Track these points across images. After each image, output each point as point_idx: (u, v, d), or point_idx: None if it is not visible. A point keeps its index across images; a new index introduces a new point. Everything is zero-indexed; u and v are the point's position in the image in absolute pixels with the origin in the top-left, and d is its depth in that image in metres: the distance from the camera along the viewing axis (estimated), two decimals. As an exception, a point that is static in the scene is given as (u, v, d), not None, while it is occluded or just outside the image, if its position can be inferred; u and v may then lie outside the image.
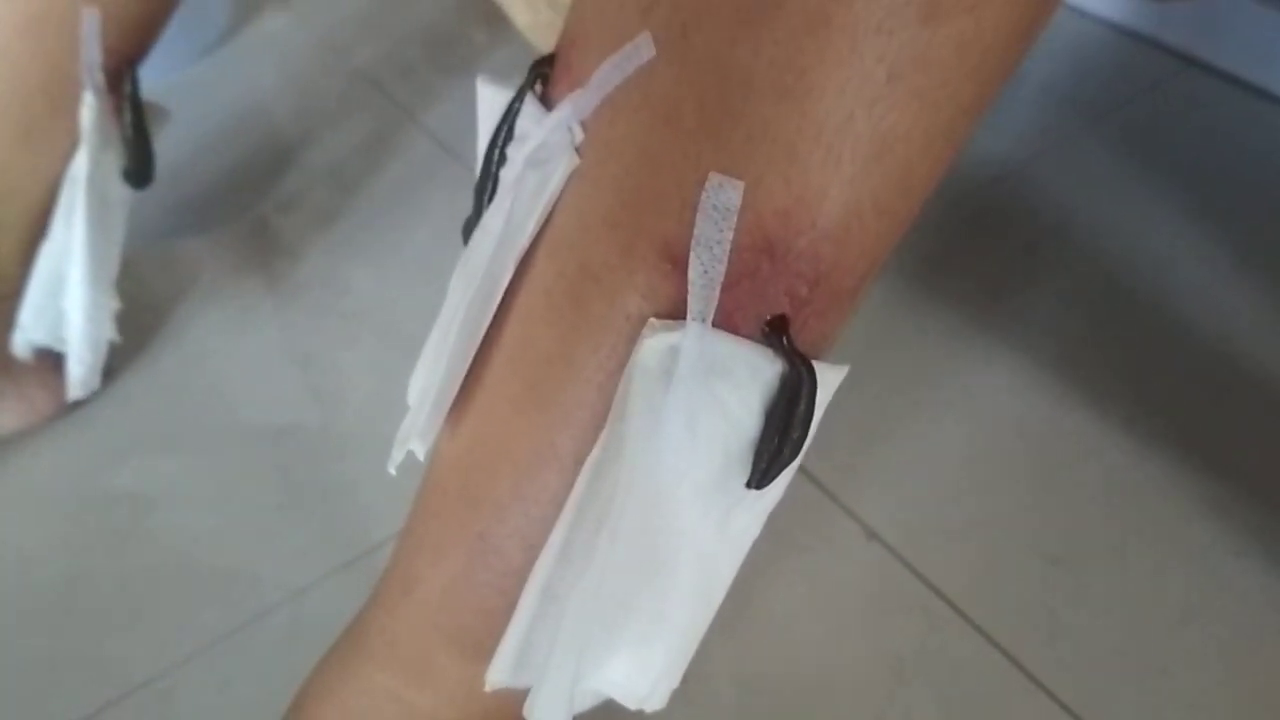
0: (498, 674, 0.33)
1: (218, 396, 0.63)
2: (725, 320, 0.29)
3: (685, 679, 0.36)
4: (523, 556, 0.33)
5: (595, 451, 0.31)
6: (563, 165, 0.31)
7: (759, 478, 0.31)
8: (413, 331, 0.64)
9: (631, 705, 0.35)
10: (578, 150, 0.31)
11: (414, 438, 0.34)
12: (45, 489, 0.59)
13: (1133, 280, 0.66)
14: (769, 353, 0.30)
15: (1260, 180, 0.72)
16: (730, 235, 0.28)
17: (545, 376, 0.32)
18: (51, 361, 0.60)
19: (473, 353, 0.33)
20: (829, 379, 0.31)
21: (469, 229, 0.35)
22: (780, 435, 0.30)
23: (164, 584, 0.55)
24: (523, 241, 0.32)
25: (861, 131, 0.28)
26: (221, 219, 0.75)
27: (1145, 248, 0.68)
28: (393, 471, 0.35)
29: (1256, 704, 0.47)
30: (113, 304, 0.57)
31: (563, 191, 0.31)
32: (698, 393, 0.29)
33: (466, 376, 0.34)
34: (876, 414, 0.59)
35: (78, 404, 0.62)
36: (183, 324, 0.67)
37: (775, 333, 0.30)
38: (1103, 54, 0.83)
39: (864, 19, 0.26)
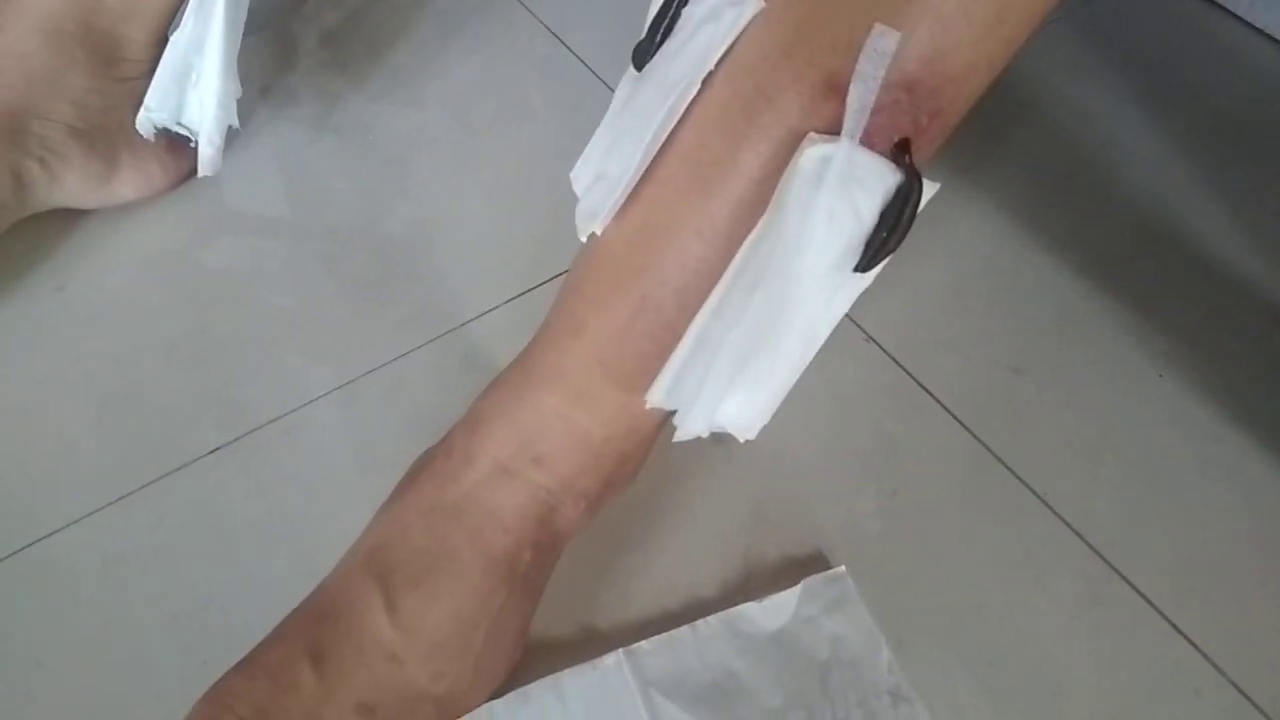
0: (655, 396, 0.44)
1: (307, 190, 0.71)
2: (866, 139, 0.40)
3: (728, 440, 0.46)
4: (676, 312, 0.44)
5: (754, 232, 0.41)
6: (751, 6, 0.41)
7: (866, 263, 0.42)
8: (481, 141, 0.73)
9: (739, 435, 0.47)
10: (765, -5, 0.41)
11: (593, 219, 0.44)
12: (161, 254, 0.67)
13: (1088, 149, 0.78)
14: (893, 166, 0.40)
15: (1198, 73, 0.85)
16: (883, 73, 0.39)
17: (713, 173, 0.42)
18: (168, 141, 0.67)
19: (654, 152, 0.43)
20: (928, 191, 0.42)
21: (641, 52, 0.45)
22: (889, 231, 0.41)
23: (277, 344, 0.64)
24: (710, 65, 0.41)
25: (987, 7, 0.38)
26: (291, 28, 0.81)
27: (1100, 122, 0.80)
28: (583, 239, 0.45)
29: (1158, 477, 0.61)
30: (237, 91, 0.64)
31: (745, 27, 0.41)
32: (839, 193, 0.40)
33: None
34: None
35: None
36: (265, 122, 0.75)
37: (900, 151, 0.40)
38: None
39: None
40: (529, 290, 0.67)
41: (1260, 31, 0.88)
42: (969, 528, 0.59)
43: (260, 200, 0.70)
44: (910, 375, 0.65)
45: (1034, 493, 0.60)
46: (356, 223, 0.70)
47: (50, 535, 0.56)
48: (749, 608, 0.55)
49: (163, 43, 0.64)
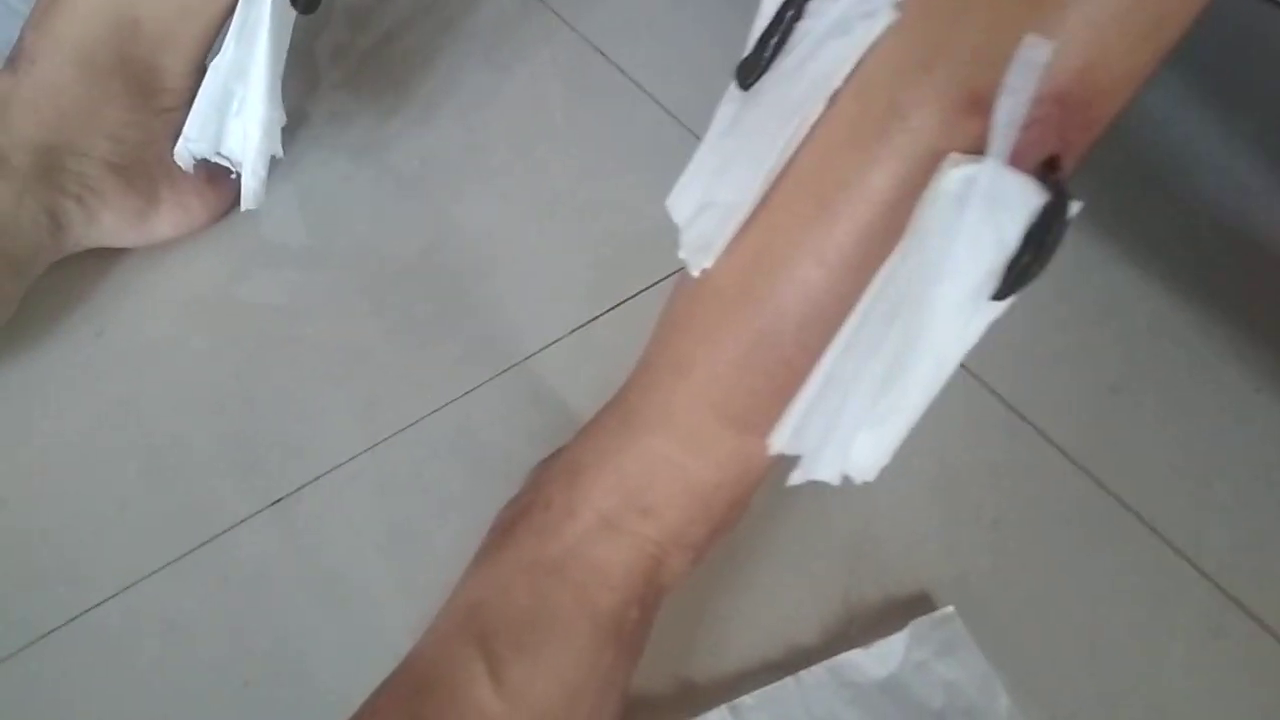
0: (780, 440, 0.41)
1: (349, 221, 0.68)
2: (1012, 157, 0.37)
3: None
4: (795, 348, 0.40)
5: (890, 259, 0.38)
6: (884, 18, 0.37)
7: (1006, 289, 0.39)
8: (529, 165, 0.70)
9: (858, 477, 0.43)
10: (898, 6, 0.37)
11: (705, 252, 0.40)
12: (202, 293, 0.64)
13: (1162, 157, 0.75)
14: (1040, 186, 0.37)
15: (1264, 74, 0.82)
16: (1034, 86, 0.35)
17: (839, 198, 0.39)
18: (207, 173, 0.63)
19: (774, 177, 0.39)
20: (1072, 210, 0.39)
21: (748, 69, 0.41)
22: (1034, 255, 0.38)
23: (332, 386, 0.60)
24: (838, 82, 0.38)
25: (1143, 14, 0.35)
26: (316, 53, 0.78)
27: (1172, 128, 0.77)
28: (696, 273, 0.41)
29: (1267, 497, 0.58)
30: (282, 119, 0.61)
31: (877, 41, 0.38)
32: (984, 216, 0.37)
33: (747, 197, 0.40)
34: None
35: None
36: (301, 150, 0.71)
37: (1047, 169, 0.37)
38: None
39: None
40: (593, 319, 0.63)
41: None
42: (1077, 559, 0.56)
43: (301, 233, 0.67)
44: (1002, 399, 0.61)
45: (1141, 519, 0.57)
46: (403, 254, 0.66)
47: (105, 601, 0.52)
48: (855, 655, 0.52)
49: (201, 71, 0.60)
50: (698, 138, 0.68)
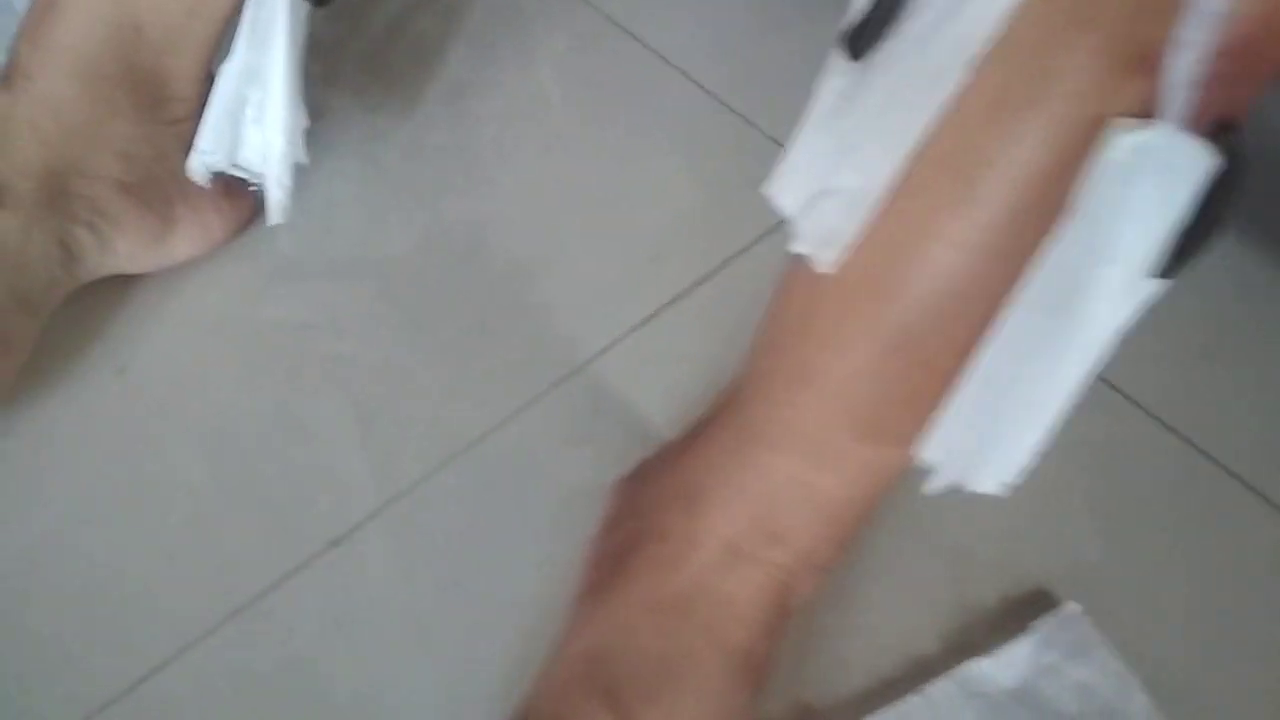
0: (928, 452, 0.37)
1: (375, 226, 0.63)
2: (1186, 119, 0.32)
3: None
4: (938, 346, 0.36)
5: (1051, 241, 0.34)
6: (1031, -29, 0.33)
7: (1173, 266, 0.35)
8: (566, 154, 0.65)
9: (992, 488, 0.39)
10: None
11: (831, 244, 0.36)
12: (227, 317, 0.59)
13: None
14: (1215, 149, 0.33)
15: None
16: (1213, 39, 0.31)
17: (983, 175, 0.35)
18: (224, 186, 0.58)
19: (909, 157, 0.35)
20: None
21: (863, 37, 0.37)
22: (1206, 225, 0.34)
23: (380, 409, 0.56)
24: (978, 46, 0.34)
25: None
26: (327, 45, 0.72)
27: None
28: (825, 269, 0.37)
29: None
30: (304, 122, 0.56)
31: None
32: (1156, 188, 0.33)
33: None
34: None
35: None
36: (319, 152, 0.66)
37: (1223, 131, 0.33)
38: None
39: None
40: (651, 317, 0.59)
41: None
42: (1193, 540, 0.53)
43: (324, 243, 0.62)
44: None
45: (1253, 489, 0.54)
46: (437, 259, 0.61)
47: (164, 666, 0.48)
48: (980, 664, 0.48)
49: (209, 77, 0.55)
50: (734, 112, 0.62)
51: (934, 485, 0.38)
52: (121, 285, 0.58)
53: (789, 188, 0.39)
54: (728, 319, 0.59)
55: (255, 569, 0.50)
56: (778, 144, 0.65)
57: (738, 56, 0.70)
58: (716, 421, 0.41)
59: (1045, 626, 0.49)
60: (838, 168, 0.37)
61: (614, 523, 0.45)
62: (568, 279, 0.61)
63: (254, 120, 0.55)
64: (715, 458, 0.41)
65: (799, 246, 0.38)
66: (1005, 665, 0.48)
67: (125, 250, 0.55)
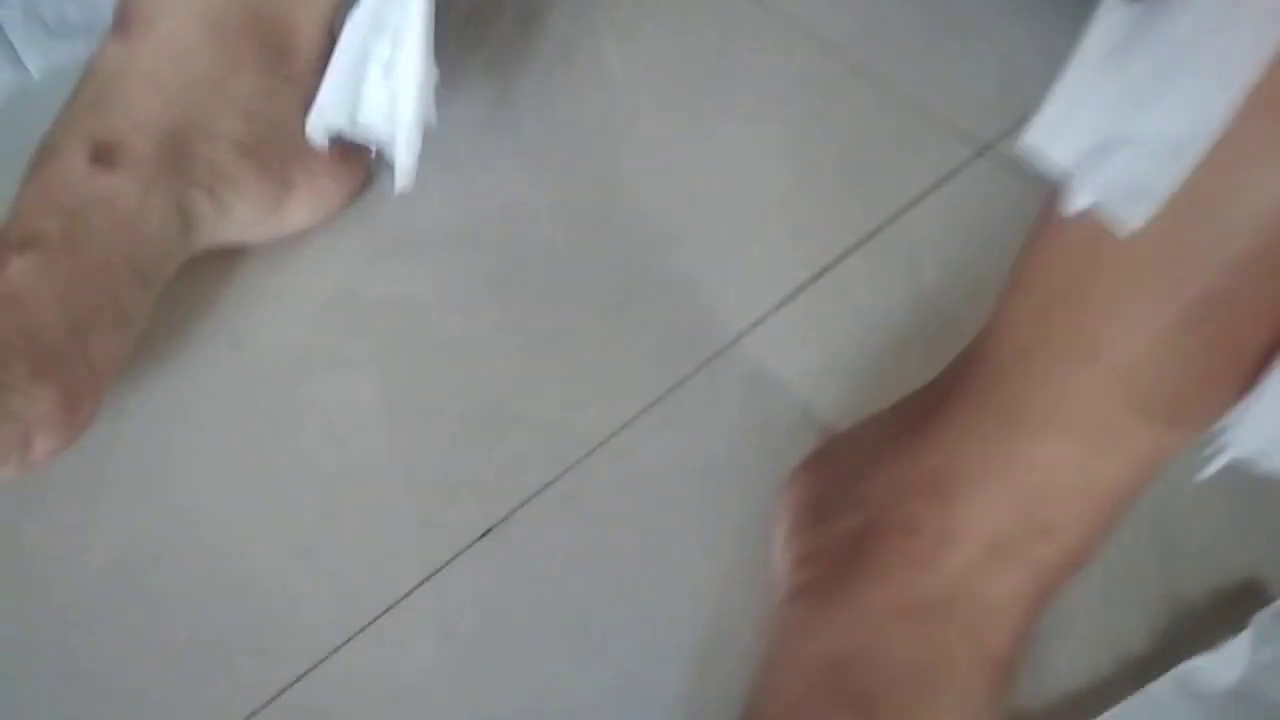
0: (1246, 438, 0.33)
1: (499, 193, 0.58)
2: None
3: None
4: (1250, 314, 0.32)
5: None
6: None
7: None
8: (694, 111, 0.60)
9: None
10: None
11: (1138, 200, 0.32)
12: (344, 291, 0.55)
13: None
14: None
15: None
16: None
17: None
18: (339, 150, 0.54)
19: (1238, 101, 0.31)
20: None
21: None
22: None
23: (519, 389, 0.52)
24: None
25: None
26: None
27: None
28: (1130, 230, 0.33)
29: None
30: (435, 77, 0.51)
31: None
32: None
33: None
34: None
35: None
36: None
37: None
38: None
39: None
40: (802, 288, 0.55)
41: None
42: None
43: (446, 211, 0.57)
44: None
45: None
46: (567, 230, 0.57)
47: (307, 673, 0.44)
48: (1199, 662, 0.45)
49: (330, 28, 0.50)
50: (867, 71, 0.58)
51: (1213, 467, 0.35)
52: (227, 255, 0.54)
53: (1060, 138, 0.35)
54: (880, 291, 0.55)
55: (403, 564, 0.46)
56: (918, 102, 0.61)
57: (865, 11, 0.66)
58: (958, 400, 0.37)
59: (1263, 621, 0.45)
60: (1130, 115, 0.33)
61: (819, 513, 0.40)
62: (705, 253, 0.57)
63: (386, 76, 0.50)
64: (966, 442, 0.37)
65: (1082, 202, 0.34)
66: (1223, 662, 0.45)
67: (243, 218, 0.51)
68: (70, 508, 0.47)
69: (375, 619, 0.45)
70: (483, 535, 0.47)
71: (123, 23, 0.47)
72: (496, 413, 0.50)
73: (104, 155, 0.46)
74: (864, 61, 0.63)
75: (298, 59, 0.50)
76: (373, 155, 0.54)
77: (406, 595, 0.46)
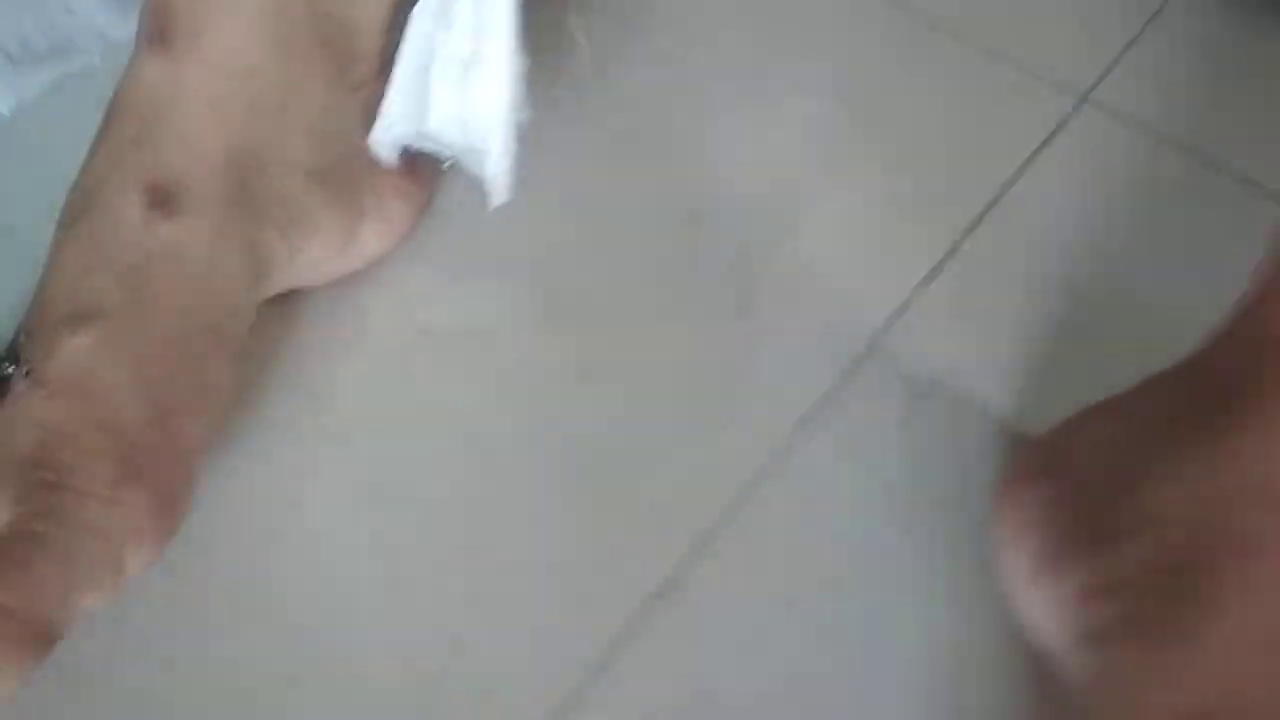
0: None
1: (583, 192, 0.52)
2: None
3: None
4: None
5: None
6: None
7: None
8: (790, 86, 0.54)
9: None
10: None
11: None
12: (426, 327, 0.47)
13: None
14: None
15: None
16: None
17: None
18: (405, 164, 0.46)
19: None
20: None
21: None
22: None
23: (653, 409, 0.46)
24: None
25: None
26: None
27: None
28: None
29: None
30: (526, 66, 0.44)
31: None
32: None
33: None
34: None
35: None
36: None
37: None
38: None
39: None
40: (936, 269, 0.50)
41: None
42: None
43: (519, 227, 0.50)
44: None
45: None
46: (661, 226, 0.50)
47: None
48: None
49: (391, 28, 0.43)
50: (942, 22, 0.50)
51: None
52: (280, 298, 0.46)
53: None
54: (1017, 259, 0.50)
55: (573, 638, 0.39)
56: (1003, 54, 0.56)
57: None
58: (1271, 395, 0.32)
59: None
60: None
61: (1082, 539, 0.35)
62: (821, 234, 0.51)
63: (461, 73, 0.43)
64: (1244, 449, 0.31)
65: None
66: None
67: (315, 257, 0.43)
68: (166, 634, 0.39)
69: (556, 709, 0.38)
70: (655, 597, 0.41)
71: (159, 32, 0.38)
72: (629, 459, 0.44)
73: (163, 200, 0.38)
74: (940, 14, 0.58)
75: (360, 66, 0.43)
76: (444, 167, 0.47)
77: (577, 688, 0.39)
